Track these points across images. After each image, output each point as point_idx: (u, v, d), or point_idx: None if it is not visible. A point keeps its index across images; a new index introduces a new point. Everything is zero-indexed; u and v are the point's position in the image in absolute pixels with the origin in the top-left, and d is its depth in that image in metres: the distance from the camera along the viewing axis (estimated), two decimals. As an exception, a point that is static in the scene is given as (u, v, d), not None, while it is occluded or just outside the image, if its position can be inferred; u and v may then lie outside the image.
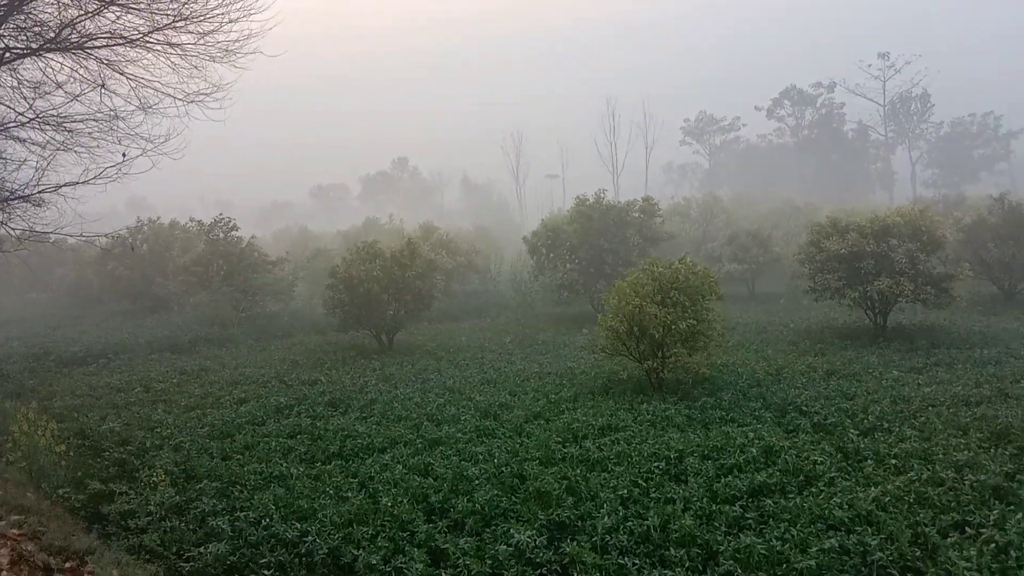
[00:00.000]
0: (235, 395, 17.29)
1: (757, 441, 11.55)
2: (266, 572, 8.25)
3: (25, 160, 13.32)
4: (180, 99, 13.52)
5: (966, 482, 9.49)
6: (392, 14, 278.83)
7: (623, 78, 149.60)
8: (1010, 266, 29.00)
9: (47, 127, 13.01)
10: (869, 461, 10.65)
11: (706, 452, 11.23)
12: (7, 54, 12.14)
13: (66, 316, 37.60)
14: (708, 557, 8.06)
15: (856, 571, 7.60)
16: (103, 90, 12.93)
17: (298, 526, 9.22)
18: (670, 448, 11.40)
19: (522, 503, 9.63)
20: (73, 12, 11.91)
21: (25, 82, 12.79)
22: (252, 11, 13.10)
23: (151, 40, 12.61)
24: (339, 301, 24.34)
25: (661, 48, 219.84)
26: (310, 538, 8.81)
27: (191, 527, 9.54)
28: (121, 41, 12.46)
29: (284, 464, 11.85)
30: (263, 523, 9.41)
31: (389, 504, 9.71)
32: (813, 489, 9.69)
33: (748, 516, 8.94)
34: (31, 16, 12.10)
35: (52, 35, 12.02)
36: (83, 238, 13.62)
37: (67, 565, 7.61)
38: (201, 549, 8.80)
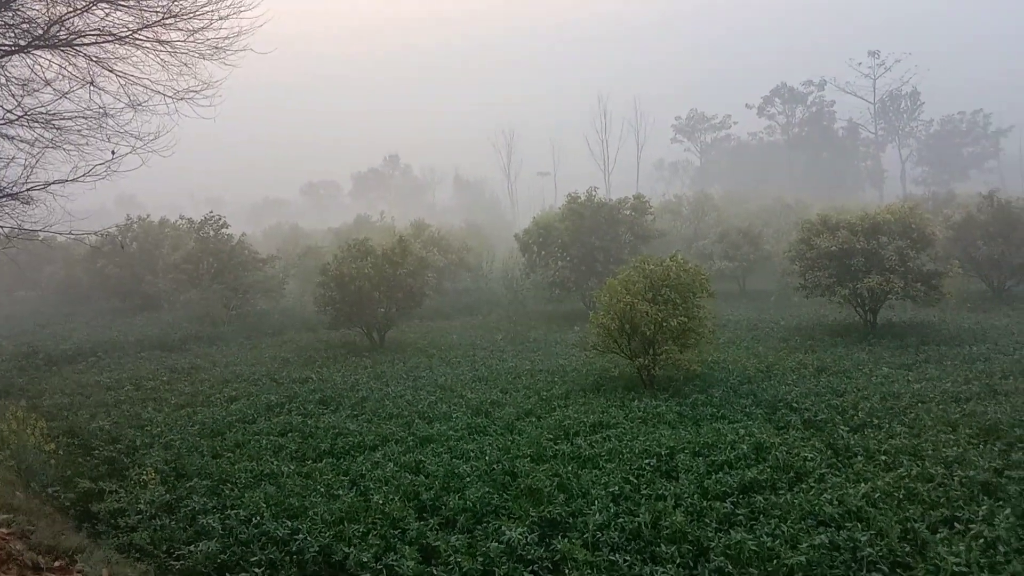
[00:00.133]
0: (226, 393, 17.24)
1: (748, 438, 11.60)
2: (257, 570, 8.23)
3: (13, 157, 13.22)
4: (170, 96, 13.42)
5: (955, 478, 9.55)
6: (390, 13, 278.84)
7: (615, 76, 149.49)
8: (999, 263, 29.20)
9: (35, 124, 12.91)
10: (859, 457, 10.70)
11: (697, 449, 11.27)
12: (-6, 51, 12.07)
13: (55, 314, 37.39)
14: (699, 553, 8.09)
15: (846, 567, 7.63)
16: (92, 87, 12.83)
17: (289, 524, 9.20)
18: (661, 445, 11.43)
19: (513, 500, 9.64)
20: (62, 9, 11.81)
21: (13, 79, 12.69)
22: (242, 8, 13.01)
23: (140, 37, 12.52)
24: (330, 299, 24.29)
25: (652, 47, 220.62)
26: (301, 536, 8.80)
27: (181, 525, 9.51)
28: (110, 38, 12.36)
29: (275, 462, 11.83)
30: (254, 521, 9.39)
31: (380, 502, 9.70)
32: (803, 485, 9.73)
33: (739, 512, 8.98)
34: (19, 13, 12.01)
35: (40, 32, 11.92)
36: (72, 236, 13.52)
37: (56, 564, 7.59)
38: (191, 547, 8.78)
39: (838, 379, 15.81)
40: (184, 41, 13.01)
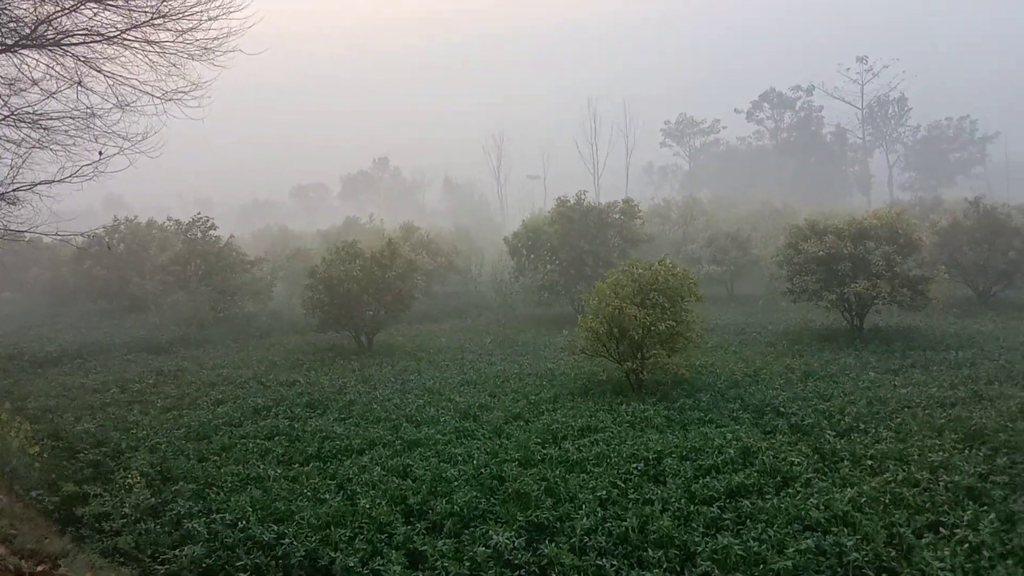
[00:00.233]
0: (212, 396, 17.15)
1: (735, 442, 11.63)
2: (243, 575, 8.19)
3: (0, 157, 13.14)
4: (158, 97, 13.37)
5: (941, 483, 9.62)
6: (386, 13, 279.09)
7: (605, 80, 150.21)
8: (985, 269, 29.39)
9: (22, 124, 12.83)
10: (845, 462, 10.75)
11: (684, 453, 11.29)
12: (-19, 50, 11.99)
13: (41, 316, 37.13)
14: (686, 558, 8.11)
15: (832, 571, 7.67)
16: (80, 87, 12.77)
17: (275, 528, 9.17)
18: (649, 449, 11.45)
19: (501, 504, 9.63)
20: (49, 8, 11.75)
21: (0, 78, 12.62)
22: (231, 9, 12.98)
23: (129, 37, 12.46)
24: (318, 301, 24.22)
25: (642, 51, 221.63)
26: (287, 540, 8.76)
27: (167, 529, 9.45)
28: (98, 38, 12.30)
29: (261, 466, 11.78)
30: (240, 525, 9.34)
31: (367, 506, 9.67)
32: (790, 490, 9.77)
33: (726, 517, 9.01)
34: (6, 12, 11.93)
35: (28, 31, 11.85)
36: (59, 237, 13.44)
37: (39, 568, 7.52)
38: (177, 552, 8.73)
39: (825, 384, 15.87)
40: (173, 42, 12.96)
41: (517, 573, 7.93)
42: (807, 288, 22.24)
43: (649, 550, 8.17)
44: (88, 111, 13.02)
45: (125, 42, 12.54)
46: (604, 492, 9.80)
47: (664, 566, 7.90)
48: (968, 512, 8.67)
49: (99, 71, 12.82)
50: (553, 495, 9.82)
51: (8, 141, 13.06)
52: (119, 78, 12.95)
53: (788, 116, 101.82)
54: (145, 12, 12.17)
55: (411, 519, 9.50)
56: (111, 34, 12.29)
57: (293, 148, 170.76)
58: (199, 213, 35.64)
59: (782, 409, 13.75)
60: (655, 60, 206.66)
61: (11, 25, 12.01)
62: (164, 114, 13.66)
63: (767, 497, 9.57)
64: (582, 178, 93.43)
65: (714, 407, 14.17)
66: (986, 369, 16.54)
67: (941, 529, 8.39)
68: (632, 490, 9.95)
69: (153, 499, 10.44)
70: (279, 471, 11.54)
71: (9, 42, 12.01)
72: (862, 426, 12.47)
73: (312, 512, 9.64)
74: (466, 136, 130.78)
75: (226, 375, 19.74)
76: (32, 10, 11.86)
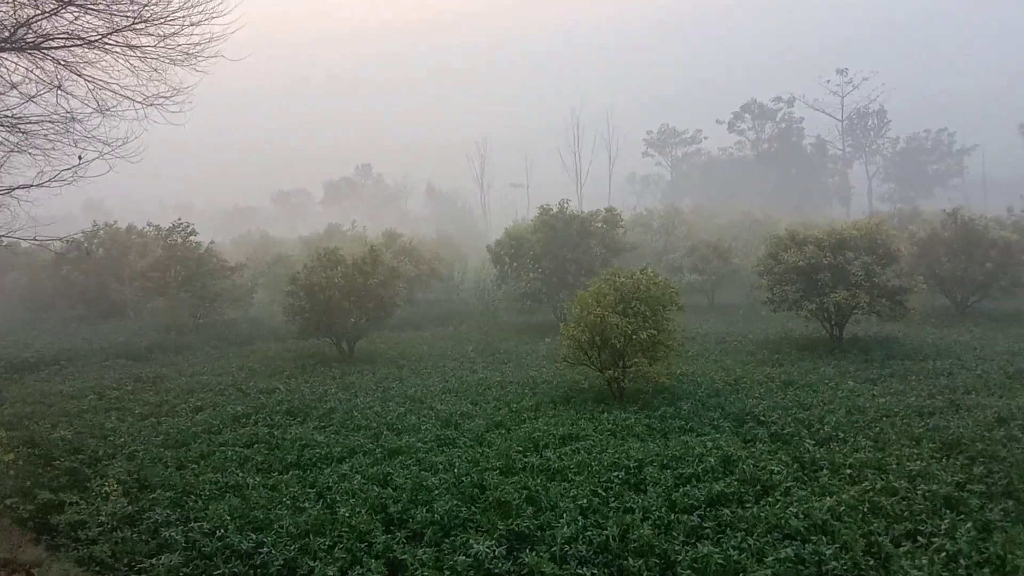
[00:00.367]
0: (191, 403, 17.00)
1: (715, 451, 11.67)
2: (220, 584, 8.12)
3: (-23, 161, 13.02)
4: (139, 102, 13.30)
5: (919, 492, 9.69)
6: (370, 18, 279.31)
7: (588, 90, 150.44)
8: (962, 280, 29.75)
9: (0, 128, 12.73)
10: (825, 471, 10.81)
11: (665, 461, 11.30)
12: (-41, 53, 11.88)
13: (18, 321, 36.71)
14: (666, 567, 8.12)
15: (811, 580, 7.70)
16: (60, 91, 12.69)
17: (254, 537, 9.09)
18: (630, 457, 11.46)
19: (482, 513, 9.60)
20: (29, 11, 11.66)
21: (-23, 82, 12.52)
22: (214, 14, 12.95)
23: (110, 42, 12.40)
24: (299, 308, 24.07)
25: (625, 61, 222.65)
26: (266, 549, 8.70)
27: (144, 538, 9.35)
28: (79, 42, 12.23)
29: (240, 474, 11.68)
30: (218, 534, 9.26)
31: (347, 514, 9.61)
32: (770, 499, 9.81)
33: (706, 525, 9.03)
34: (-15, 15, 11.84)
35: (7, 34, 11.75)
36: (37, 242, 13.34)
37: (13, 578, 7.42)
38: (153, 560, 8.64)
39: (804, 393, 15.97)
40: (155, 47, 12.90)
41: (497, 582, 7.91)
42: (787, 298, 22.38)
43: (630, 559, 8.17)
44: (68, 115, 12.94)
45: (106, 46, 12.47)
46: (585, 500, 9.80)
47: (644, 575, 7.91)
48: (946, 521, 8.74)
49: (79, 75, 12.74)
50: (534, 503, 9.80)
51: (-14, 145, 12.95)
52: (100, 82, 12.89)
53: (769, 127, 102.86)
54: (127, 17, 12.11)
55: (391, 528, 9.44)
56: (92, 38, 12.22)
57: (275, 154, 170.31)
58: (179, 218, 35.37)
59: (762, 418, 13.82)
60: (637, 70, 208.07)
61: (-10, 28, 11.92)
62: (145, 119, 13.61)
63: (747, 506, 9.60)
64: (565, 187, 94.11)
65: (695, 416, 14.22)
66: (963, 379, 16.72)
67: (919, 538, 8.45)
68: (613, 498, 9.95)
69: (130, 507, 10.33)
70: (258, 479, 11.45)
71: (-12, 45, 11.91)
72: (841, 435, 12.55)
73: (291, 521, 9.57)
74: (443, 145, 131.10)
75: (205, 382, 19.58)
76: (11, 13, 11.77)
